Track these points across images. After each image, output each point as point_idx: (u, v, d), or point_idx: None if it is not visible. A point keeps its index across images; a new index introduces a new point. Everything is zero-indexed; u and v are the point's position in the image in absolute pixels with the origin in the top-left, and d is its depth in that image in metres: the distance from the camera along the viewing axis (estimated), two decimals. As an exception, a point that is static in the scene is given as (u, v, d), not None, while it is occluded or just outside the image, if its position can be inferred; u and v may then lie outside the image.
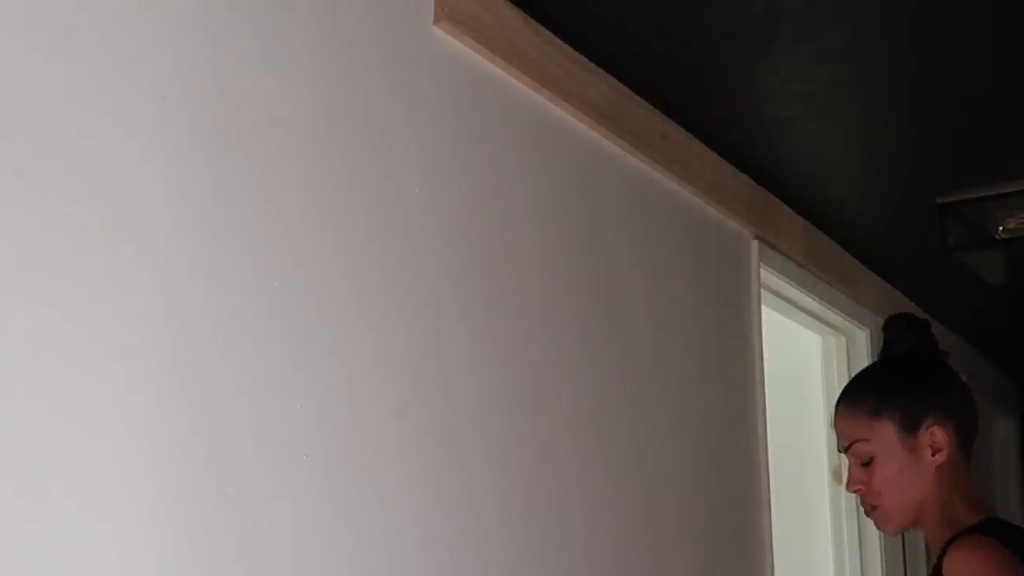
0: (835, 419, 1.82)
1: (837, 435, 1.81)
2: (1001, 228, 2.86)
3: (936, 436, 1.72)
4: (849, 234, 3.09)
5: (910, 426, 1.73)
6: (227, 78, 1.39)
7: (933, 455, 1.72)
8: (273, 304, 1.41)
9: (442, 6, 1.73)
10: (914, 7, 1.97)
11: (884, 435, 1.74)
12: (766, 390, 2.68)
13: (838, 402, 1.83)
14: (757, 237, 2.68)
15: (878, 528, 1.80)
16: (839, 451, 1.81)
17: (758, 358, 2.67)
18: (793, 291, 2.94)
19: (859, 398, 1.79)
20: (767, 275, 2.76)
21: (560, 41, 1.99)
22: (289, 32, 1.49)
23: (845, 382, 3.29)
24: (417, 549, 1.59)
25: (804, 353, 3.29)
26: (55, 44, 1.19)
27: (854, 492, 1.78)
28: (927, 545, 3.54)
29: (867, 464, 1.75)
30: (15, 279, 1.13)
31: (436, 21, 1.73)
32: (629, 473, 2.11)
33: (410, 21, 1.71)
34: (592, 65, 2.07)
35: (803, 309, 3.08)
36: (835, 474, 3.22)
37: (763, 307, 2.74)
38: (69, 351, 1.17)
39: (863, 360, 3.28)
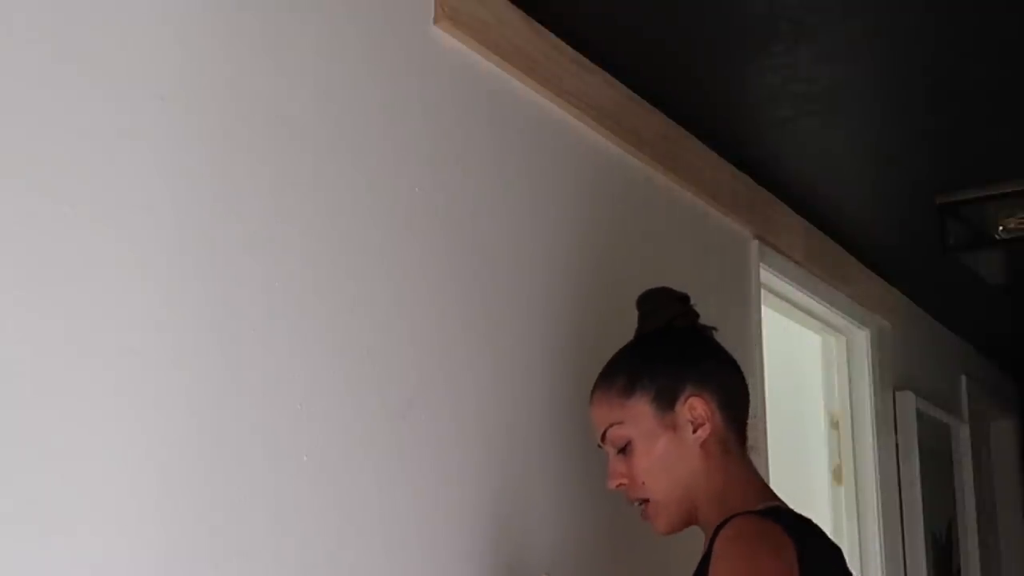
0: (590, 408, 1.63)
1: (592, 425, 1.61)
2: (1001, 228, 2.86)
3: (696, 408, 1.54)
4: (849, 234, 3.09)
5: (666, 401, 1.55)
6: (227, 78, 1.39)
7: (695, 431, 1.54)
8: (274, 304, 1.41)
9: (442, 6, 1.73)
10: (914, 7, 1.97)
11: (639, 415, 1.55)
12: (766, 390, 2.67)
13: (592, 389, 1.63)
14: (757, 237, 2.68)
15: (655, 529, 1.58)
16: (597, 444, 1.61)
17: (758, 358, 2.67)
18: (793, 291, 2.94)
19: (611, 378, 1.60)
20: (767, 275, 2.76)
21: (560, 41, 1.99)
22: (289, 32, 1.49)
23: (846, 382, 3.32)
24: (417, 549, 1.59)
25: (804, 353, 3.29)
26: (55, 44, 1.19)
27: (616, 488, 1.58)
28: (929, 543, 3.54)
29: (625, 452, 1.56)
30: (15, 279, 1.13)
31: (436, 21, 1.73)
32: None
33: (410, 21, 1.71)
34: (592, 65, 2.07)
35: (803, 309, 3.08)
36: (835, 474, 3.22)
37: (763, 307, 2.74)
38: (69, 351, 1.17)
39: (863, 360, 3.28)
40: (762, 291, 2.73)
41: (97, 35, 1.24)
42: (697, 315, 1.67)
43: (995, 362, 4.48)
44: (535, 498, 1.85)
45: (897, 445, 3.39)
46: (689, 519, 1.57)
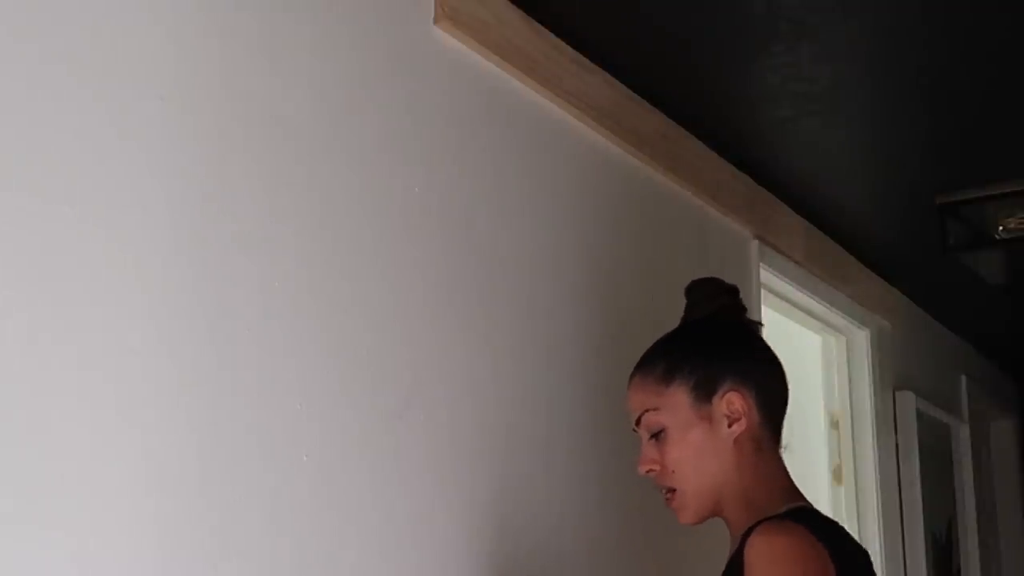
0: (628, 391, 1.60)
1: (627, 409, 1.59)
2: (1001, 228, 2.86)
3: (733, 403, 1.52)
4: (849, 234, 3.09)
5: (704, 393, 1.53)
6: (227, 78, 1.39)
7: (730, 426, 1.52)
8: (271, 304, 1.41)
9: (442, 6, 1.73)
10: (914, 7, 1.97)
11: (676, 403, 1.53)
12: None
13: (632, 372, 1.61)
14: (757, 237, 2.68)
15: (679, 518, 1.56)
16: (632, 428, 1.59)
17: (758, 358, 2.67)
18: (793, 291, 2.94)
19: (651, 364, 1.58)
20: (767, 275, 2.76)
21: (560, 41, 1.99)
22: (289, 32, 1.49)
23: (846, 382, 3.32)
24: (415, 549, 1.59)
25: (804, 353, 3.29)
26: (55, 44, 1.19)
27: (645, 474, 1.57)
28: (929, 543, 3.55)
29: (658, 439, 1.54)
30: (15, 279, 1.13)
31: (436, 21, 1.73)
32: (630, 472, 2.10)
33: (410, 21, 1.71)
34: (592, 65, 2.07)
35: (803, 309, 3.08)
36: (835, 474, 3.22)
37: (763, 307, 2.74)
38: (67, 351, 1.17)
39: (863, 360, 3.28)
40: (762, 291, 2.73)
41: (94, 36, 1.24)
42: (744, 308, 1.66)
43: (995, 362, 4.48)
44: (533, 498, 1.85)
45: (897, 445, 3.39)
46: (714, 511, 1.55)
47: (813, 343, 3.32)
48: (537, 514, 1.85)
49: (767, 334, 2.72)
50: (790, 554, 1.39)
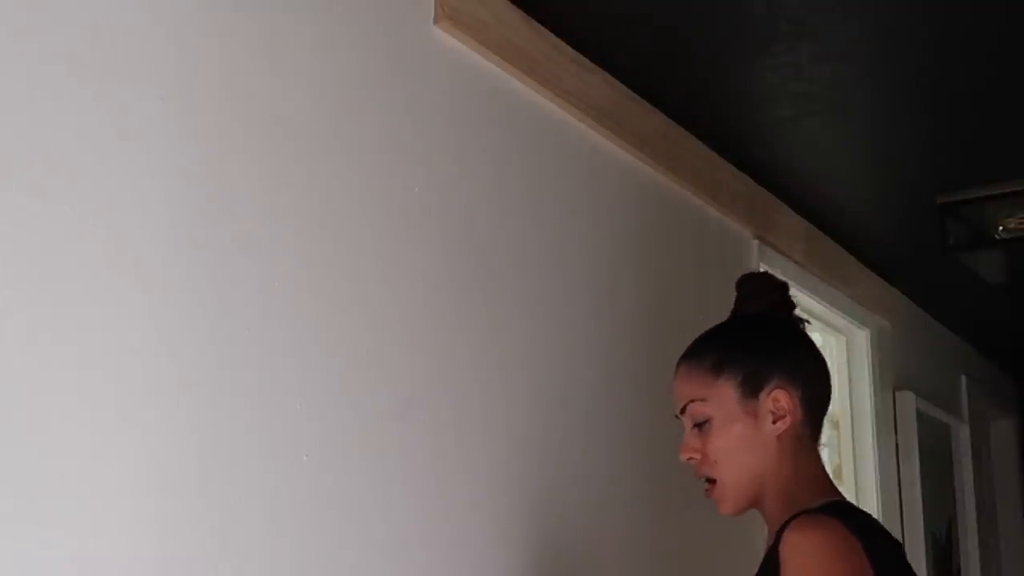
0: (673, 380, 1.62)
1: (674, 397, 1.61)
2: (1001, 228, 2.86)
3: (779, 400, 1.54)
4: (849, 234, 3.09)
5: (751, 388, 1.55)
6: (227, 78, 1.39)
7: (775, 422, 1.54)
8: (271, 304, 1.41)
9: (442, 6, 1.73)
10: (914, 7, 1.97)
11: (723, 396, 1.55)
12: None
13: (679, 361, 1.63)
14: (757, 237, 2.68)
15: (719, 509, 1.58)
16: (675, 415, 1.61)
17: (758, 358, 2.67)
18: (793, 291, 2.94)
19: (700, 355, 1.60)
20: (767, 275, 2.75)
21: (560, 41, 1.99)
22: (289, 32, 1.49)
23: (846, 382, 3.32)
24: (417, 549, 1.59)
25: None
26: (55, 44, 1.19)
27: (687, 461, 1.58)
28: (929, 543, 3.54)
29: (702, 429, 1.55)
30: (15, 279, 1.13)
31: (436, 21, 1.73)
32: (629, 472, 2.11)
33: (410, 21, 1.71)
34: (592, 65, 2.07)
35: (803, 309, 3.08)
36: (835, 474, 3.22)
37: (763, 307, 2.74)
38: (69, 351, 1.17)
39: (863, 360, 3.28)
40: (762, 291, 2.73)
41: (94, 36, 1.24)
42: (794, 305, 1.68)
43: (995, 362, 4.48)
44: (534, 498, 1.85)
45: (897, 445, 3.39)
46: (753, 503, 1.57)
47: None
48: (538, 514, 1.85)
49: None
50: (823, 548, 1.40)
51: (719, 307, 2.53)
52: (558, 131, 2.02)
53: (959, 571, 3.77)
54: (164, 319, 1.27)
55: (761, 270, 2.69)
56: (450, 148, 1.76)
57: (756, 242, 2.67)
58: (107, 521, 1.18)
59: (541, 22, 1.94)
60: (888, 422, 3.35)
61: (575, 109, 2.03)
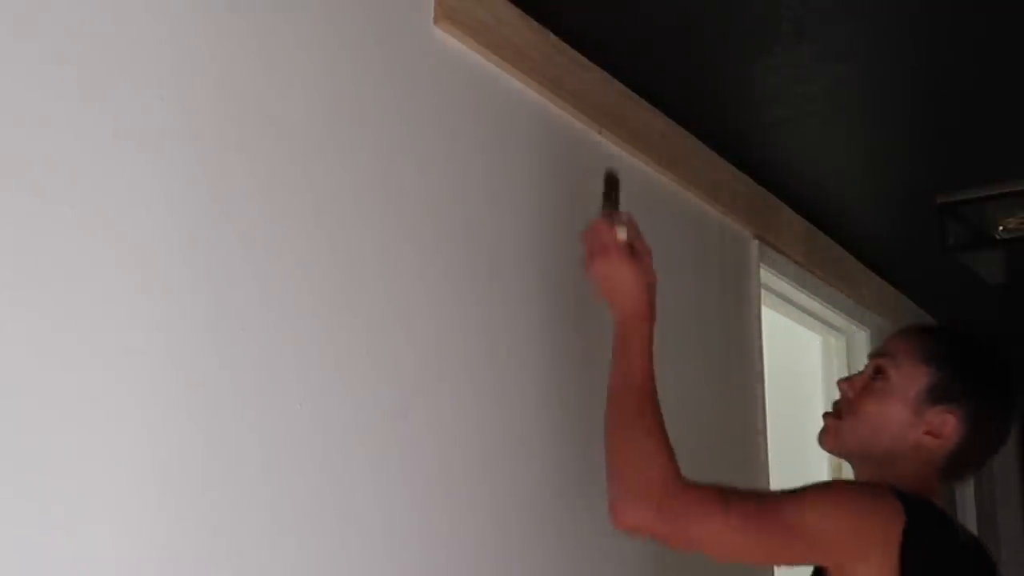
0: (897, 334, 1.67)
1: (882, 344, 1.67)
2: (1001, 228, 2.86)
3: (947, 425, 1.56)
4: (849, 234, 3.09)
5: (937, 396, 1.57)
6: (227, 78, 1.39)
7: (926, 433, 1.57)
8: (272, 304, 1.41)
9: (442, 6, 1.73)
10: (914, 7, 1.97)
11: (913, 377, 1.58)
12: (766, 390, 2.67)
13: (917, 325, 1.71)
14: (757, 237, 2.68)
15: (820, 438, 1.64)
16: (869, 353, 1.67)
17: (758, 358, 2.67)
18: (793, 291, 2.94)
19: (932, 341, 1.63)
20: (767, 275, 2.76)
21: (560, 41, 1.99)
22: (289, 32, 1.49)
23: (846, 382, 3.31)
24: (417, 549, 1.59)
25: (804, 353, 3.29)
26: (54, 44, 1.19)
27: (841, 388, 1.65)
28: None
29: (874, 381, 1.61)
30: (15, 279, 1.13)
31: (436, 21, 1.73)
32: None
33: (410, 21, 1.71)
34: (592, 65, 2.07)
35: (803, 309, 3.08)
36: (835, 473, 3.22)
37: (763, 307, 2.74)
38: (69, 351, 1.17)
39: (863, 360, 3.28)
40: (762, 291, 2.73)
41: (94, 36, 1.24)
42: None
43: (995, 362, 4.47)
44: (536, 499, 1.85)
45: (897, 445, 3.38)
46: (853, 459, 1.62)
47: (813, 343, 3.32)
48: (539, 514, 1.85)
49: (767, 334, 2.74)
50: (846, 492, 1.48)
51: (719, 307, 2.54)
52: (558, 131, 2.02)
53: (959, 571, 3.76)
54: (164, 319, 1.27)
55: (762, 271, 2.69)
56: (449, 148, 1.76)
57: (756, 242, 2.67)
58: (107, 521, 1.18)
59: (541, 22, 1.94)
60: (888, 422, 3.34)
61: (575, 109, 2.03)
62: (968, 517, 3.90)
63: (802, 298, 3.01)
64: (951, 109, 2.36)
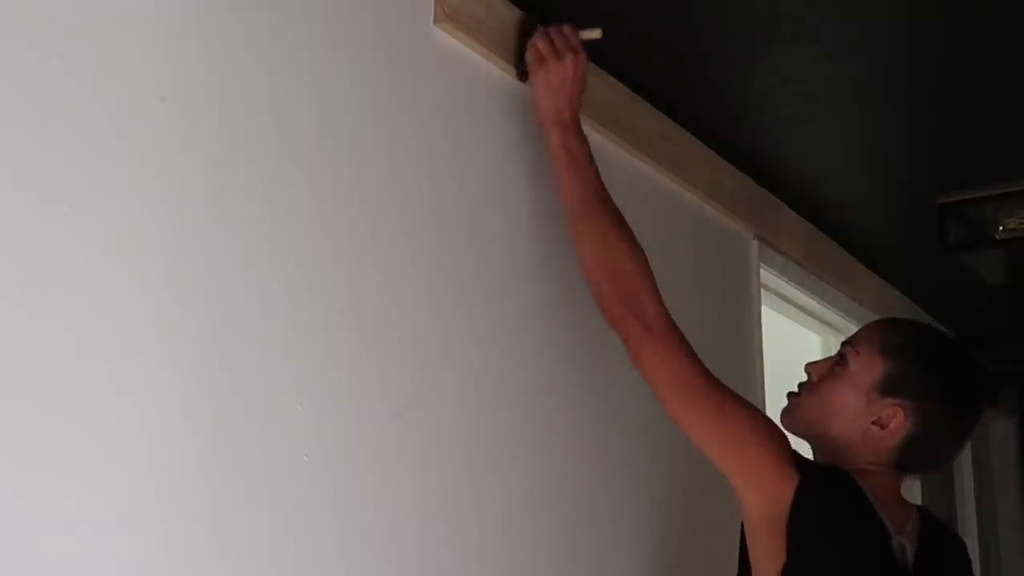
0: (866, 326, 1.74)
1: (855, 333, 1.74)
2: (1001, 228, 2.87)
3: (894, 419, 1.60)
4: (849, 234, 3.09)
5: (889, 388, 1.61)
6: (227, 78, 1.39)
7: (873, 423, 1.61)
8: (272, 303, 1.41)
9: (442, 6, 1.73)
10: (914, 7, 1.97)
11: (867, 368, 1.63)
12: (766, 390, 2.67)
13: (889, 319, 1.78)
14: (757, 237, 2.68)
15: (782, 416, 1.72)
16: (843, 341, 1.74)
17: (758, 358, 2.67)
18: (793, 291, 2.94)
19: (895, 333, 1.67)
20: (767, 275, 2.76)
21: (560, 41, 1.99)
22: (289, 32, 1.49)
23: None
24: (417, 549, 1.59)
25: (804, 353, 3.29)
26: (54, 44, 1.19)
27: (806, 371, 1.72)
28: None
29: (838, 366, 1.66)
30: (15, 279, 1.13)
31: (436, 21, 1.73)
32: (630, 474, 2.11)
33: (410, 21, 1.71)
34: (592, 65, 2.07)
35: (803, 309, 3.08)
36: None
37: (763, 307, 2.74)
38: (69, 351, 1.17)
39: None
40: (762, 291, 2.73)
41: (94, 36, 1.24)
42: (1000, 382, 1.79)
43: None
44: (536, 498, 1.85)
45: (897, 445, 3.38)
46: (809, 440, 1.70)
47: (813, 343, 3.32)
48: (540, 514, 1.85)
49: (767, 334, 2.74)
50: (771, 432, 1.58)
51: (719, 307, 2.54)
52: (558, 131, 2.02)
53: (959, 571, 3.76)
54: (164, 319, 1.27)
55: (762, 271, 2.69)
56: (450, 148, 1.76)
57: (756, 242, 2.67)
58: (107, 521, 1.18)
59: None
60: (888, 422, 3.34)
61: (575, 109, 2.02)
62: (968, 517, 3.90)
63: (802, 298, 3.01)
64: (951, 109, 2.36)
